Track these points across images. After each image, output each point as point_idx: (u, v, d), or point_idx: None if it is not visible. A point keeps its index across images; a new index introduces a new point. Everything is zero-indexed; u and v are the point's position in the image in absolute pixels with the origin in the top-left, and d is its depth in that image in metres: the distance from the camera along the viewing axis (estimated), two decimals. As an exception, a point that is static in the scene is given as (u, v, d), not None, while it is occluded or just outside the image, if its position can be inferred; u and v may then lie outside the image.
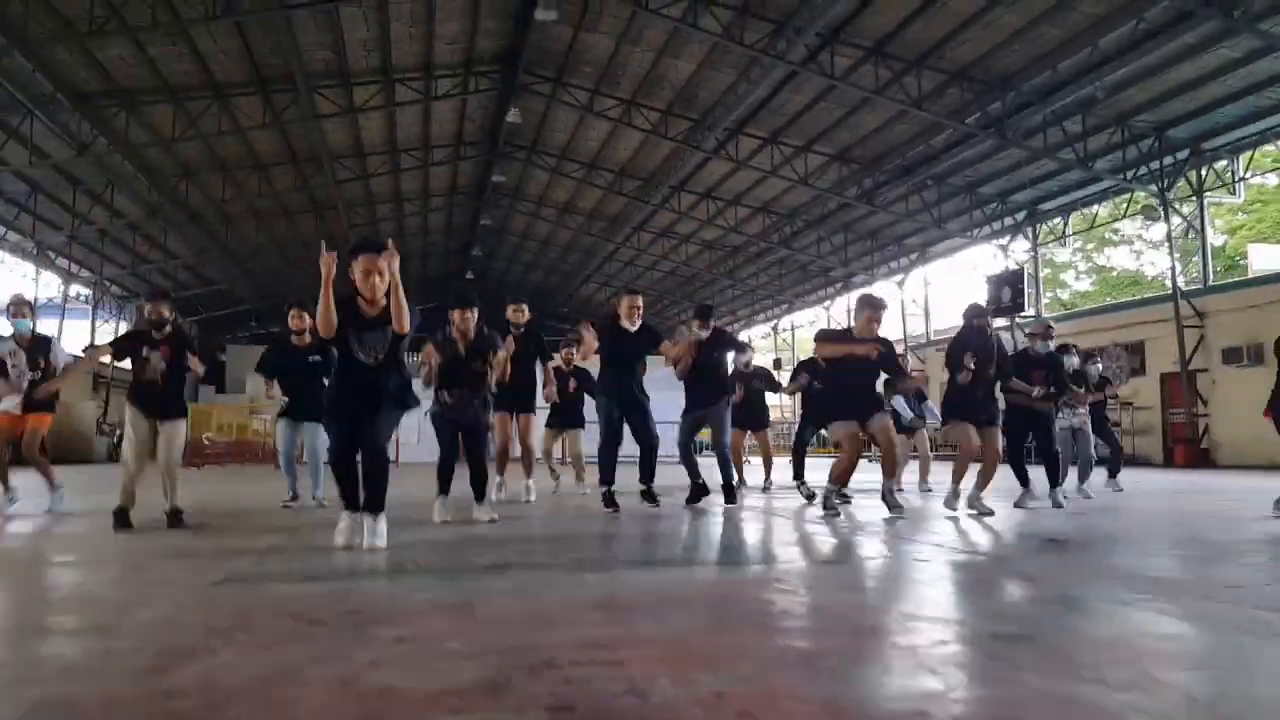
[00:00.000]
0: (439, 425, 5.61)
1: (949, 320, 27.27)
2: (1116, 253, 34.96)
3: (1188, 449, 16.91)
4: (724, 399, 7.15)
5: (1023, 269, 21.78)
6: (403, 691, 1.75)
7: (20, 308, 6.34)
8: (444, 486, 5.60)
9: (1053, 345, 7.81)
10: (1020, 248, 23.13)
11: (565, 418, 8.68)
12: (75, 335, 24.73)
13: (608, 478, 6.27)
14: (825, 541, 4.78)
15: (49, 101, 15.69)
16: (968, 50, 15.34)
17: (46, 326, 16.17)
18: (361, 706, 1.67)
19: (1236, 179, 17.76)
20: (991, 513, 6.09)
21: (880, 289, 29.04)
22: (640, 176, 23.73)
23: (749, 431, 9.71)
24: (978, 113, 16.78)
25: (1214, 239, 30.64)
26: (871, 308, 6.08)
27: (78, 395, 22.28)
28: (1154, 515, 6.71)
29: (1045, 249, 24.55)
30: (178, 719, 1.60)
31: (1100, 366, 9.51)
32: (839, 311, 32.27)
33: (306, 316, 6.64)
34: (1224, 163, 17.59)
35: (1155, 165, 17.51)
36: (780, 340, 36.81)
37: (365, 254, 4.19)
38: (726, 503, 6.72)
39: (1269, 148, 17.65)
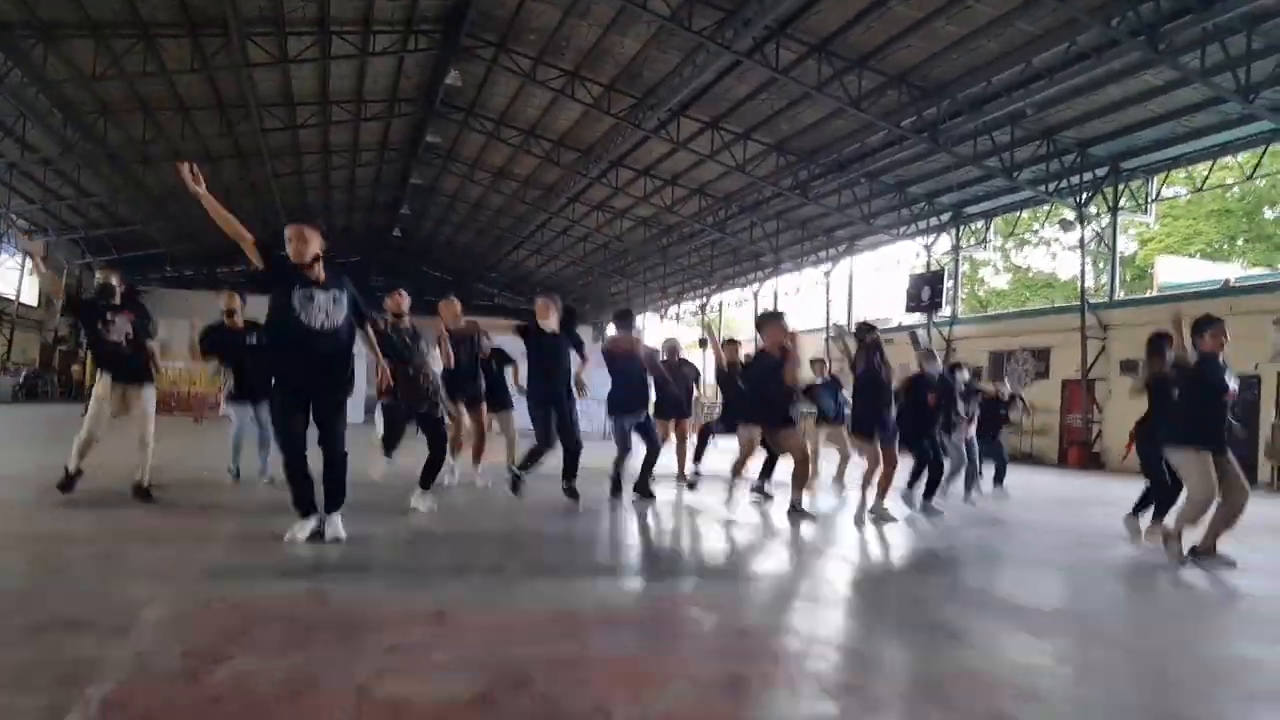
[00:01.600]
0: (390, 414, 5.76)
1: (871, 313, 28.12)
2: (1035, 253, 36.45)
3: (1080, 451, 17.95)
4: (644, 409, 7.36)
5: (944, 269, 22.56)
6: (414, 704, 1.99)
7: None
8: (387, 450, 5.82)
9: (940, 364, 8.40)
10: (943, 247, 23.91)
11: (493, 400, 8.62)
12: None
13: (525, 464, 6.39)
14: (742, 553, 5.01)
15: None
16: (908, 56, 15.68)
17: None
18: (384, 715, 1.92)
19: (1150, 199, 18.71)
20: (895, 519, 6.49)
21: (807, 277, 29.70)
22: (578, 148, 23.54)
23: (673, 420, 9.79)
24: (913, 116, 17.21)
25: (1126, 248, 32.43)
26: (777, 321, 6.49)
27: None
28: (1035, 532, 7.15)
29: (977, 249, 25.47)
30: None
31: (1008, 386, 10.07)
32: (766, 295, 32.88)
33: (237, 297, 6.52)
34: (1139, 182, 18.49)
35: (1075, 180, 18.31)
36: (707, 319, 37.23)
37: (294, 224, 4.23)
38: (642, 497, 7.02)
39: (1180, 171, 18.61)
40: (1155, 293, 20.34)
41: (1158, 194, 18.81)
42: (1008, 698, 2.25)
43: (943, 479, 8.35)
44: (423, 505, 5.50)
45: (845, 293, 28.04)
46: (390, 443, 5.77)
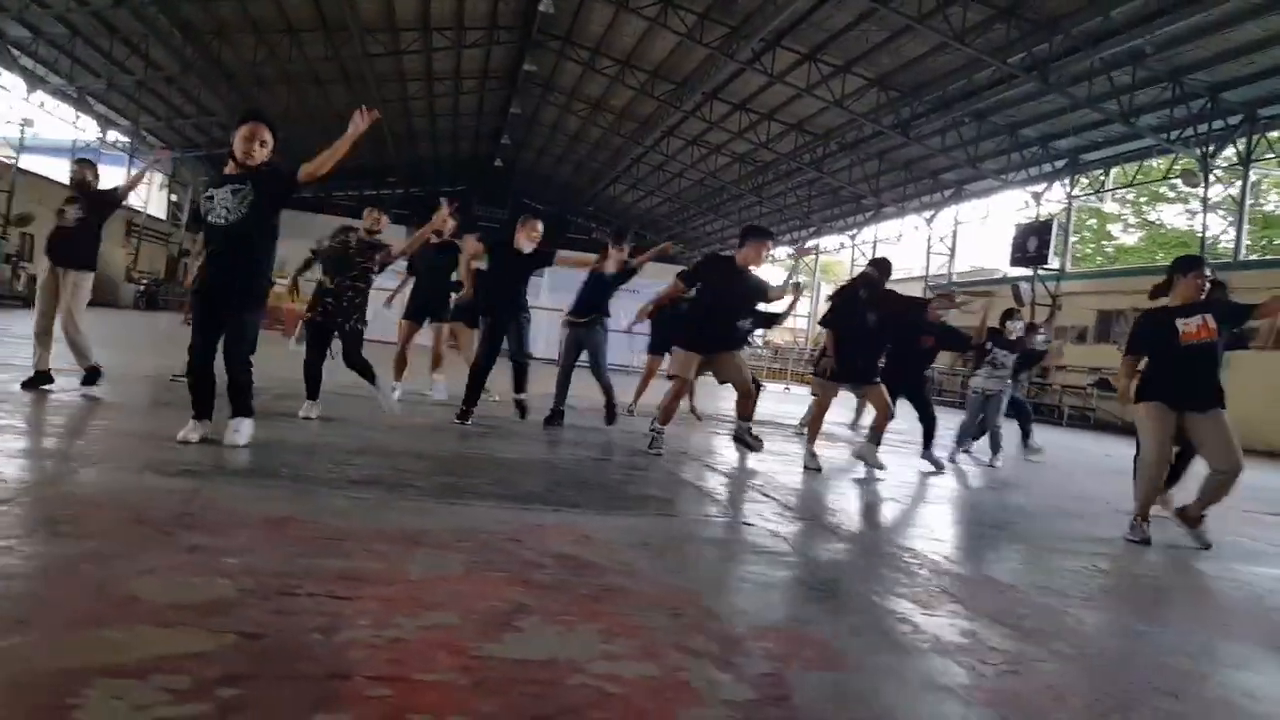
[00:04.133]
0: (313, 329, 5.59)
1: (975, 263, 26.83)
2: (1170, 209, 33.70)
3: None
4: (597, 321, 7.07)
5: (1053, 220, 21.20)
6: (142, 602, 1.94)
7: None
8: (312, 391, 5.54)
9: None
10: (1055, 196, 22.46)
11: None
12: (112, 181, 25.14)
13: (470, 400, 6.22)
14: (667, 487, 4.77)
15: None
16: (1019, -16, 14.59)
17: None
18: (96, 608, 1.90)
19: (1288, 150, 16.98)
20: (883, 466, 6.10)
21: (909, 223, 28.51)
22: (674, 80, 23.11)
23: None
24: (1023, 53, 16.07)
25: (1275, 209, 29.56)
26: (761, 238, 5.93)
27: (111, 243, 22.87)
28: (1032, 497, 6.74)
29: (1091, 199, 23.81)
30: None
31: (1043, 337, 9.43)
32: (865, 240, 31.81)
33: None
34: (1277, 134, 16.77)
35: (1204, 128, 16.76)
36: (804, 263, 36.37)
37: (254, 122, 4.13)
38: (607, 423, 6.96)
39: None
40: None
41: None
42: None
43: (990, 436, 8.03)
44: (312, 412, 5.45)
45: (949, 242, 26.83)
46: (311, 377, 5.55)
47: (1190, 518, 4.55)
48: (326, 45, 21.79)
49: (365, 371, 5.75)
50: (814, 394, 6.54)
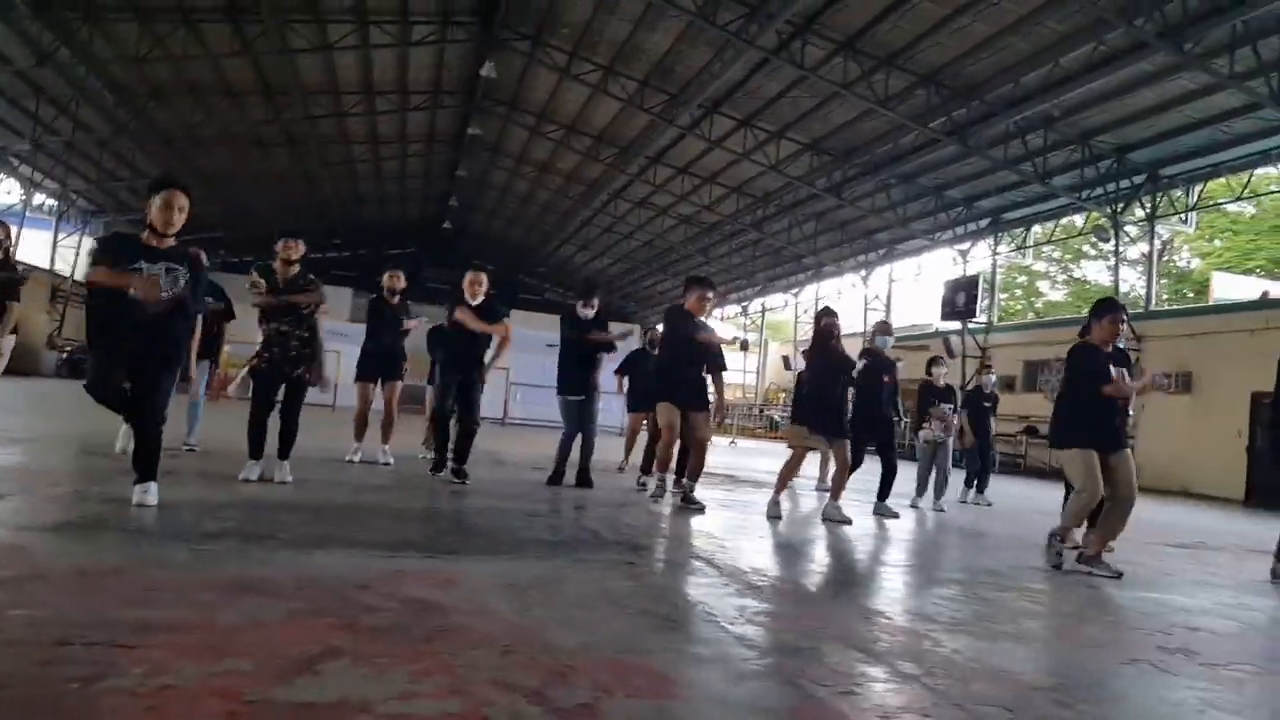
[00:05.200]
0: (259, 379, 5.43)
1: (909, 319, 27.55)
2: (1091, 265, 35.15)
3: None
4: (595, 393, 7.12)
5: (978, 276, 21.95)
6: None
7: None
8: (255, 450, 5.33)
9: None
10: (981, 254, 23.27)
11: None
12: (36, 246, 24.63)
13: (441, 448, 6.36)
14: (561, 532, 4.73)
15: (8, 9, 15.43)
16: (936, 54, 15.32)
17: None
18: None
19: (1189, 207, 17.87)
20: (849, 521, 6.15)
21: (847, 280, 29.22)
22: (618, 145, 23.62)
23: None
24: (944, 117, 16.80)
25: (1186, 263, 31.01)
26: (701, 287, 6.21)
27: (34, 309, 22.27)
28: (959, 537, 6.92)
29: (1016, 256, 24.73)
30: None
31: (993, 379, 9.80)
32: (808, 298, 32.47)
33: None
34: (1179, 191, 17.68)
35: (1112, 187, 17.61)
36: (749, 321, 36.97)
37: (169, 190, 4.08)
38: (579, 485, 6.86)
39: (1221, 180, 17.73)
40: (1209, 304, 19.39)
41: (1197, 202, 17.87)
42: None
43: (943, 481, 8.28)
44: (280, 477, 5.32)
45: (884, 299, 27.52)
46: (256, 434, 5.35)
47: (1090, 557, 4.76)
48: (267, 108, 21.86)
49: (289, 433, 5.41)
50: (791, 445, 6.63)
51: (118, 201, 27.36)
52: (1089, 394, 4.81)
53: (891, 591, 4.12)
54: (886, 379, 7.22)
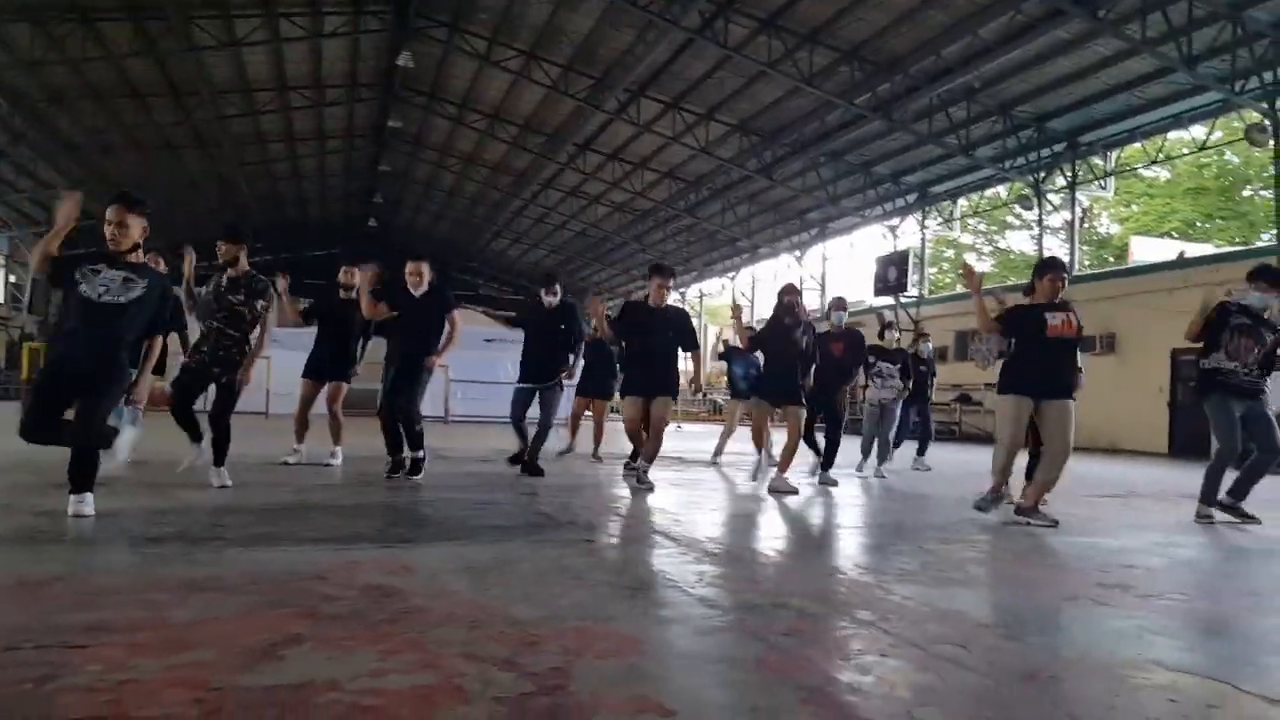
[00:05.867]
0: (182, 374, 5.20)
1: (846, 296, 27.96)
2: (1016, 235, 36.18)
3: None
4: (557, 382, 7.06)
5: (909, 251, 22.39)
6: None
7: None
8: (192, 433, 5.23)
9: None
10: (912, 228, 23.74)
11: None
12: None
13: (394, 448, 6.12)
14: (516, 517, 4.58)
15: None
16: (858, 30, 15.47)
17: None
18: None
19: (1107, 173, 18.49)
20: (795, 491, 6.16)
21: (783, 261, 29.52)
22: (545, 132, 23.35)
23: (593, 400, 9.25)
24: (868, 93, 17.02)
25: (1106, 228, 32.20)
26: (658, 275, 6.21)
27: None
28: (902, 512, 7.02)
29: (945, 230, 25.28)
30: None
31: (929, 347, 9.99)
32: (744, 282, 32.73)
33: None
34: (1098, 157, 18.27)
35: (1033, 156, 18.12)
36: (689, 307, 37.09)
37: (116, 205, 3.94)
38: (526, 474, 6.72)
39: (1137, 146, 18.41)
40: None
41: (1115, 168, 18.53)
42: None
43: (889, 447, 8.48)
44: (217, 481, 5.07)
45: (819, 278, 27.87)
46: (186, 420, 5.19)
47: (1027, 509, 4.88)
48: (176, 109, 20.96)
49: (221, 438, 5.12)
50: (746, 416, 6.75)
51: (20, 214, 25.95)
52: (1022, 347, 4.99)
53: (843, 551, 4.18)
54: (839, 353, 7.29)
